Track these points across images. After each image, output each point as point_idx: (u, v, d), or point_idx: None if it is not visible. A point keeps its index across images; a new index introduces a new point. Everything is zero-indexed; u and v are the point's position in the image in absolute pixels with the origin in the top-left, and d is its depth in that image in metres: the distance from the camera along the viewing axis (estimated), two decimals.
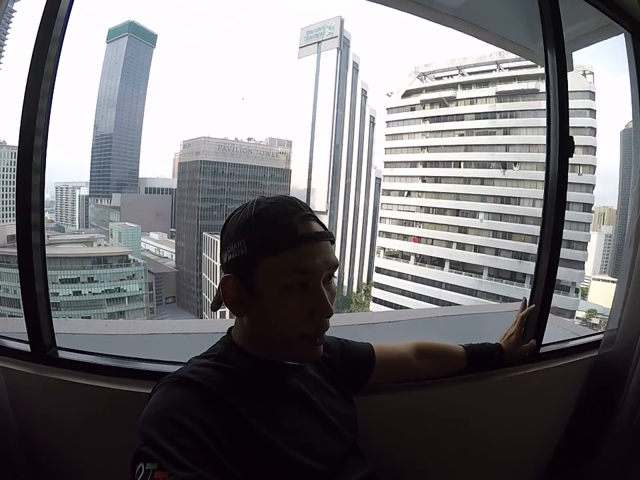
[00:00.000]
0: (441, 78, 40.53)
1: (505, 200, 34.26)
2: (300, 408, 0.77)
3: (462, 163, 37.12)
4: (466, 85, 38.21)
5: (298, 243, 0.69)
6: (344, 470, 0.76)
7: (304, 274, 0.69)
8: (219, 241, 0.77)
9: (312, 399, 0.79)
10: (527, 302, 1.30)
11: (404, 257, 39.69)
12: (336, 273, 0.75)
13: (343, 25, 60.53)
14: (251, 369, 0.74)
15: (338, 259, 0.74)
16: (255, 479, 0.64)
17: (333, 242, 0.75)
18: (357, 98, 58.81)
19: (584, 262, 30.62)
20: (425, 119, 40.19)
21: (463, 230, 36.24)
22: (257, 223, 0.70)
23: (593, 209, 32.34)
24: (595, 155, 30.42)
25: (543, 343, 1.31)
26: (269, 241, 0.69)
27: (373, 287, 43.00)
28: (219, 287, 0.76)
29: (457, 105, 38.46)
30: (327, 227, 0.75)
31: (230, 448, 0.61)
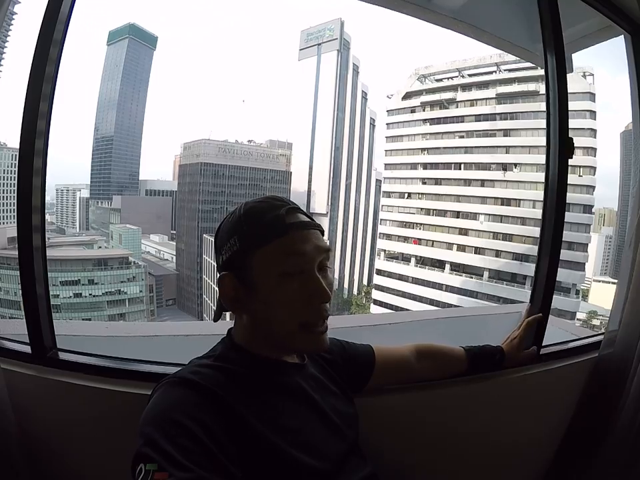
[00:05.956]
0: (441, 80, 40.65)
1: (506, 202, 34.29)
2: (301, 406, 0.77)
3: (462, 165, 37.15)
4: (466, 87, 38.28)
5: (286, 230, 0.71)
6: (345, 469, 0.76)
7: (296, 257, 0.71)
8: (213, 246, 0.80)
9: (313, 397, 0.79)
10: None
11: (404, 259, 39.69)
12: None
13: (343, 27, 60.75)
14: (252, 367, 0.74)
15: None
16: (256, 479, 0.64)
17: (322, 232, 0.77)
18: (357, 100, 58.97)
19: (584, 263, 30.62)
20: (425, 120, 40.28)
21: (464, 232, 36.27)
22: (247, 220, 0.73)
23: (593, 210, 32.39)
24: (595, 156, 30.46)
25: (543, 344, 1.31)
26: (260, 233, 0.71)
27: (373, 289, 43.01)
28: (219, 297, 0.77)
29: (457, 107, 38.54)
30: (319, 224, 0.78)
31: (230, 448, 0.61)
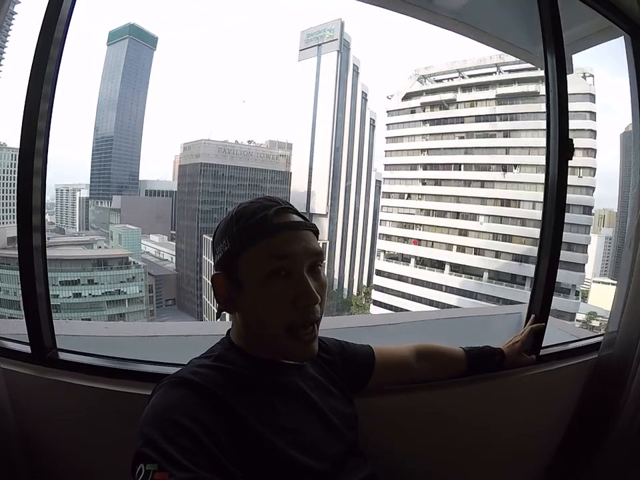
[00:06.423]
0: (441, 80, 40.63)
1: (505, 202, 34.28)
2: (300, 406, 0.77)
3: (462, 166, 37.12)
4: (466, 88, 38.26)
5: (273, 230, 0.71)
6: (344, 470, 0.76)
7: (282, 259, 0.70)
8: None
9: (312, 398, 0.79)
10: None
11: (404, 259, 39.67)
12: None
13: (343, 28, 60.67)
14: (250, 368, 0.74)
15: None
16: (255, 479, 0.64)
17: (315, 233, 0.76)
18: (357, 100, 58.93)
19: (584, 264, 30.58)
20: (425, 121, 40.26)
21: (463, 232, 36.25)
22: (237, 220, 0.73)
23: (593, 211, 32.37)
24: (595, 157, 30.46)
25: (543, 345, 1.31)
26: (247, 234, 0.71)
27: (373, 290, 42.96)
28: None
29: (457, 108, 38.52)
30: (313, 222, 0.77)
31: (230, 448, 0.61)
